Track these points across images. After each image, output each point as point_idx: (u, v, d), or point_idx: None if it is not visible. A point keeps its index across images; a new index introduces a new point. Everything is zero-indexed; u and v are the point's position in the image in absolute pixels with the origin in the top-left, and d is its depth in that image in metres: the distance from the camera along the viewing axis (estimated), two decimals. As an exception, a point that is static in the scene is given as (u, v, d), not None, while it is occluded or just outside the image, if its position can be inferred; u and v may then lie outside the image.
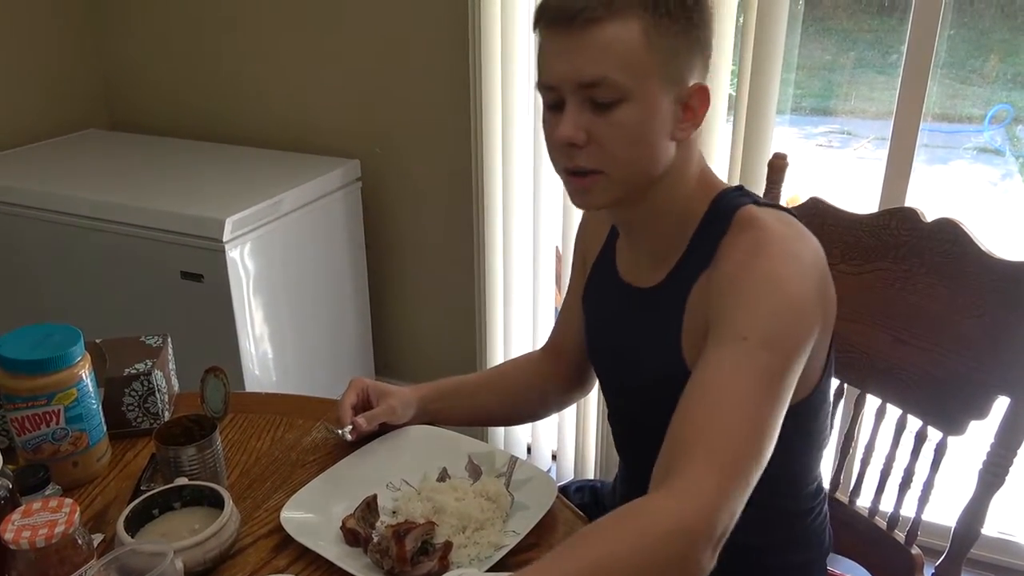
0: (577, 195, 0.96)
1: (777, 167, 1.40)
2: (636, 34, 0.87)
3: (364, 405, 1.19)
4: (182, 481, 1.04)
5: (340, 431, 1.15)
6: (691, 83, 0.92)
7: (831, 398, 1.09)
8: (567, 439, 2.31)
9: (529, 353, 1.36)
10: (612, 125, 0.89)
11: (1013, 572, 2.09)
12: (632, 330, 1.07)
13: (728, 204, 0.98)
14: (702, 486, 0.77)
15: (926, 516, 1.27)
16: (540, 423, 2.33)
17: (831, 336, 1.00)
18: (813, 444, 1.08)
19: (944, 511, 1.36)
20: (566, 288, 1.29)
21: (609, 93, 0.88)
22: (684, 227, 1.00)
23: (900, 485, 1.29)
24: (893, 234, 1.27)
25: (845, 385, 1.37)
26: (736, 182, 1.91)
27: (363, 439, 1.18)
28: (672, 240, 1.01)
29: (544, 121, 0.96)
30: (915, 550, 1.28)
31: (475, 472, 1.13)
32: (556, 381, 1.31)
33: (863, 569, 1.35)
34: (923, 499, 1.26)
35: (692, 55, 0.91)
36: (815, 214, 1.36)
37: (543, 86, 0.93)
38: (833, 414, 1.40)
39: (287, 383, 2.16)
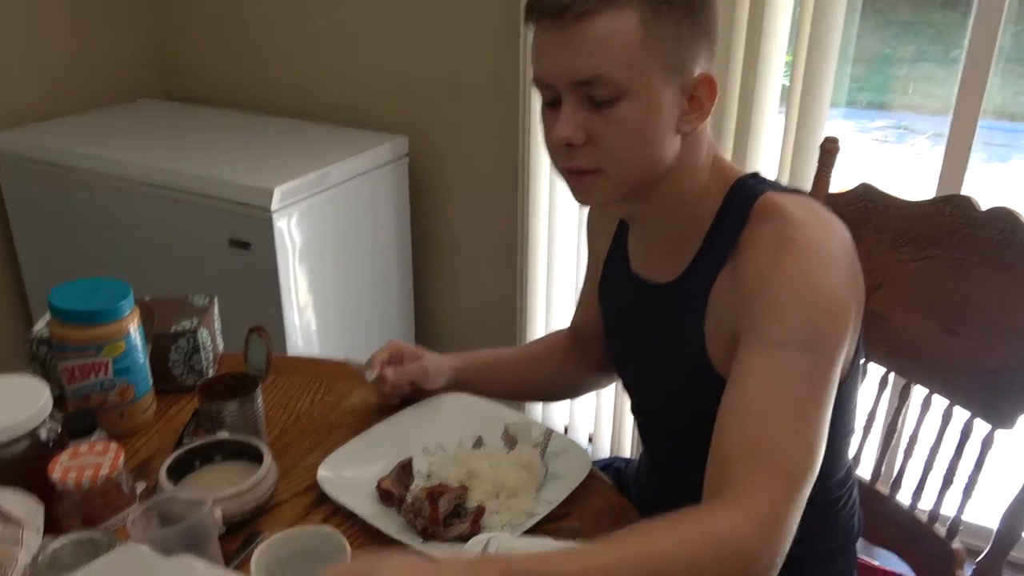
0: (577, 193, 0.93)
1: (829, 151, 1.37)
2: (633, 25, 0.82)
3: (396, 363, 1.19)
4: (223, 435, 1.06)
5: (363, 372, 1.16)
6: (696, 73, 0.87)
7: (859, 385, 1.06)
8: (604, 421, 2.31)
9: (558, 332, 1.34)
10: (611, 123, 0.85)
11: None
12: (651, 326, 1.04)
13: (746, 193, 0.93)
14: (762, 503, 0.75)
15: (968, 516, 1.25)
16: (578, 404, 2.34)
17: (860, 324, 0.97)
18: (841, 433, 1.05)
19: (987, 512, 1.33)
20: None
21: (606, 91, 0.84)
22: (699, 220, 0.95)
23: (944, 479, 1.26)
24: (947, 222, 1.24)
25: (891, 375, 1.34)
26: (787, 174, 1.88)
27: (399, 404, 1.19)
28: (687, 234, 0.96)
29: (542, 118, 0.91)
30: (956, 545, 1.26)
31: (510, 441, 1.13)
32: (583, 364, 1.30)
33: (898, 559, 1.33)
34: (966, 494, 1.23)
35: (695, 43, 0.86)
36: (865, 200, 1.33)
37: (538, 83, 0.89)
38: (877, 403, 1.37)
39: (328, 353, 2.19)
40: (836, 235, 0.90)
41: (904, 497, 1.33)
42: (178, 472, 1.01)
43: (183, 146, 2.26)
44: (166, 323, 1.25)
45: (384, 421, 1.15)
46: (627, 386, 1.17)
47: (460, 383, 1.22)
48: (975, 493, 1.23)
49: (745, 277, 0.89)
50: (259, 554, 0.80)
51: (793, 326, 0.83)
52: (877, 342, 1.28)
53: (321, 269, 2.13)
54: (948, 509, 1.27)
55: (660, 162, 0.90)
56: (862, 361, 1.01)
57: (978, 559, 1.20)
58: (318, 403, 1.25)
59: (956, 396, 1.23)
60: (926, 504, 1.30)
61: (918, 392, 1.31)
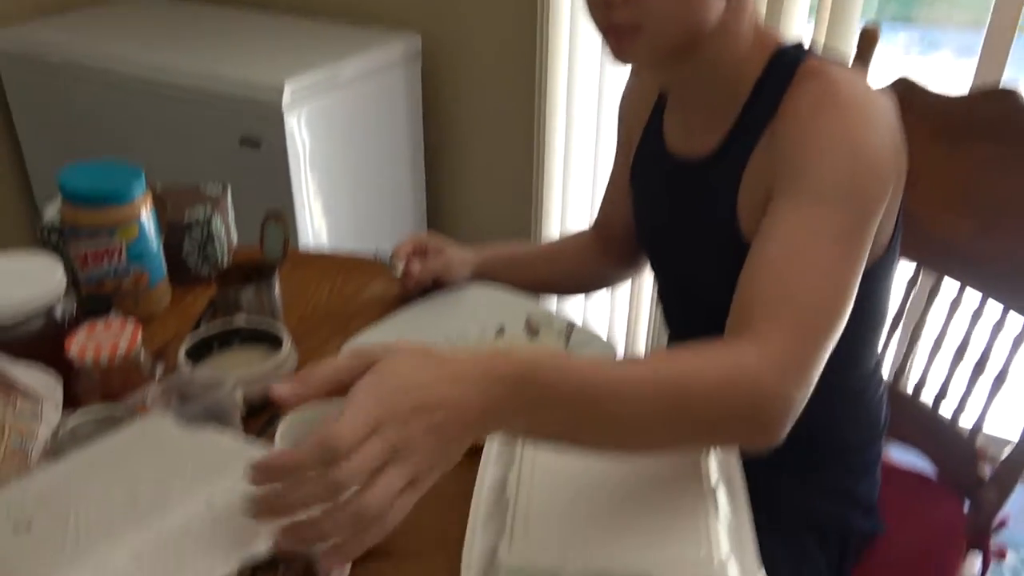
0: (615, 53, 0.89)
1: (869, 39, 1.31)
2: None
3: (420, 256, 1.17)
4: (241, 319, 1.04)
5: (391, 264, 1.13)
6: None
7: (894, 275, 1.03)
8: (618, 319, 2.29)
9: (581, 232, 1.32)
10: None
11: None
12: (684, 203, 1.01)
13: (789, 59, 0.89)
14: (784, 346, 0.72)
15: (991, 430, 1.23)
16: (592, 303, 2.32)
17: (900, 205, 0.94)
18: (872, 320, 1.02)
19: (1009, 426, 1.31)
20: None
21: None
22: (739, 87, 0.92)
23: (972, 373, 1.24)
24: (989, 115, 1.19)
25: (920, 271, 1.31)
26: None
27: (418, 294, 1.17)
28: (726, 102, 0.93)
29: None
30: (980, 441, 1.25)
31: (532, 331, 1.11)
32: (607, 259, 1.27)
33: (916, 457, 1.32)
34: (994, 389, 1.22)
35: None
36: (903, 95, 1.27)
37: None
38: (905, 300, 1.34)
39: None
40: (881, 102, 0.86)
41: (928, 396, 1.32)
42: (196, 356, 1.00)
43: (189, 43, 2.19)
44: (179, 212, 1.22)
45: (405, 310, 1.13)
46: (656, 269, 1.14)
47: (482, 276, 1.20)
48: (1000, 398, 1.21)
49: (784, 136, 0.86)
50: (284, 427, 0.78)
51: (830, 180, 0.80)
52: (908, 240, 1.24)
53: (333, 169, 2.09)
54: (972, 409, 1.25)
55: (702, 22, 0.85)
56: (898, 246, 0.98)
57: (1001, 459, 1.19)
58: (336, 294, 1.23)
59: (988, 288, 1.20)
60: (950, 402, 1.29)
61: (945, 293, 1.27)
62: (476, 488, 0.79)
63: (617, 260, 1.27)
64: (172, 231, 1.20)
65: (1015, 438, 1.17)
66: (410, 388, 0.60)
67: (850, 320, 0.82)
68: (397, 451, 0.58)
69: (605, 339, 1.08)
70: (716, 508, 0.73)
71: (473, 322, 1.12)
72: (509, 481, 0.76)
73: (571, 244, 1.29)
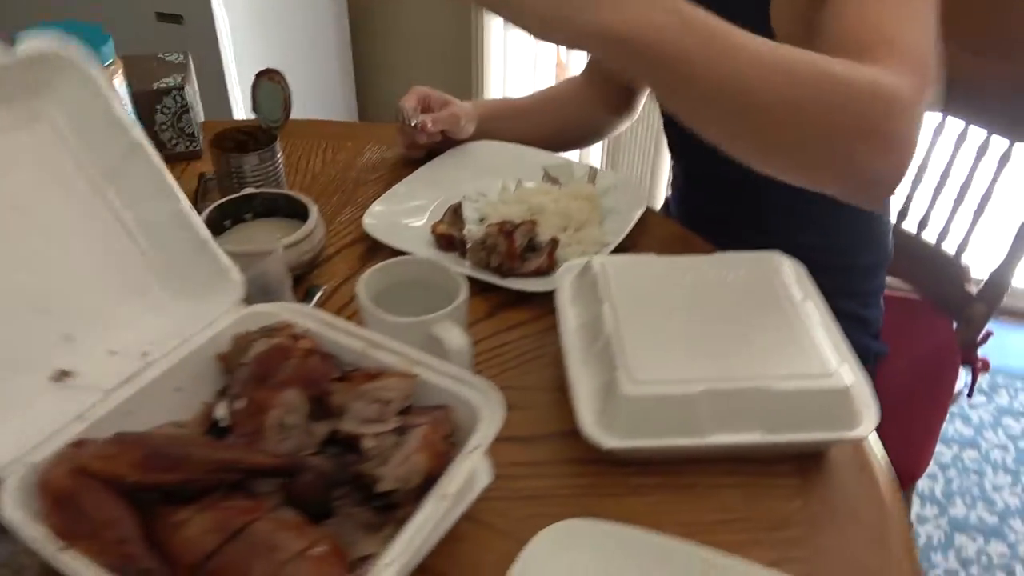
0: None
1: None
2: None
3: (425, 111, 1.09)
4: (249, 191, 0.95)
5: (408, 118, 1.06)
6: None
7: None
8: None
9: (572, 77, 1.27)
10: None
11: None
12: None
13: None
14: (911, 80, 0.64)
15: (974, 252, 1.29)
16: (589, 152, 2.28)
17: None
18: None
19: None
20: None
21: None
22: None
23: (956, 195, 1.29)
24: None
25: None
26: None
27: (424, 157, 1.10)
28: None
29: None
30: (964, 263, 1.31)
31: (553, 183, 1.07)
32: (601, 105, 1.23)
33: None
34: (978, 212, 1.27)
35: None
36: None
37: None
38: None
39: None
40: None
41: (911, 224, 1.36)
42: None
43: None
44: (145, 82, 1.09)
45: (417, 172, 1.06)
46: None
47: (484, 132, 1.13)
48: (985, 221, 1.26)
49: None
50: (367, 278, 0.73)
51: None
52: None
53: (260, 42, 1.93)
54: (956, 233, 1.31)
55: None
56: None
57: (989, 273, 1.25)
58: (331, 162, 1.15)
59: (973, 113, 1.23)
60: (933, 228, 1.34)
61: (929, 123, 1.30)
62: (561, 333, 0.77)
63: (611, 106, 1.23)
64: (141, 101, 1.08)
65: (999, 258, 1.23)
66: None
67: None
68: None
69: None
70: (811, 320, 0.74)
71: (492, 177, 1.07)
72: (603, 316, 0.73)
73: (564, 93, 1.24)
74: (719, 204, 1.12)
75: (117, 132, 0.68)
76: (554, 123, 1.22)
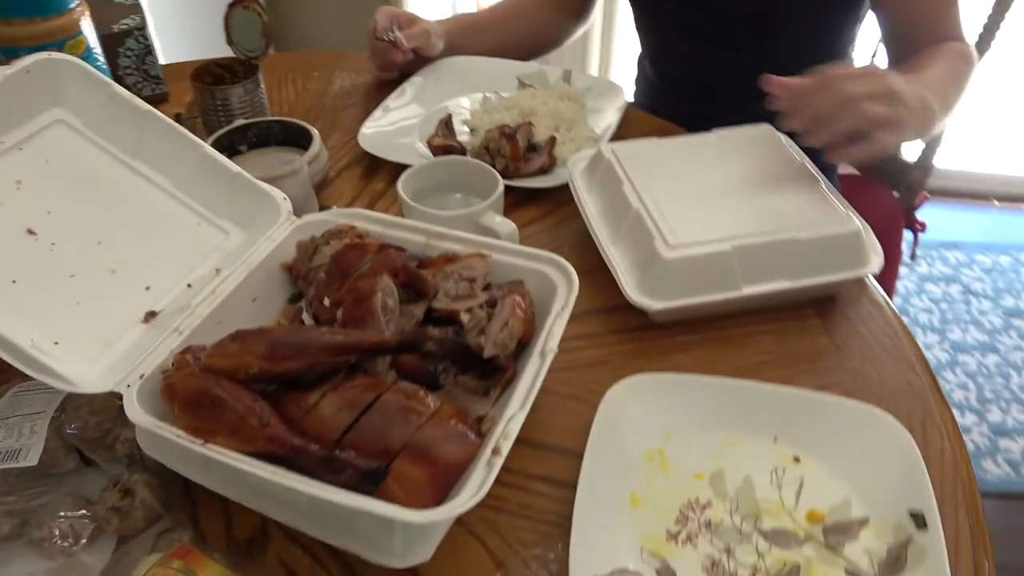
0: None
1: None
2: None
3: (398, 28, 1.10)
4: (240, 122, 0.95)
5: (385, 34, 1.06)
6: None
7: None
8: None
9: None
10: None
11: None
12: None
13: None
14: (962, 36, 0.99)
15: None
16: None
17: None
18: (850, 49, 1.13)
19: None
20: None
21: None
22: None
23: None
24: None
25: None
26: None
27: (397, 80, 1.11)
28: None
29: None
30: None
31: (526, 87, 1.10)
32: (558, 10, 1.26)
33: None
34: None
35: None
36: None
37: None
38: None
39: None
40: None
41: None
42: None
43: None
44: (103, 24, 1.06)
45: (395, 93, 1.08)
46: None
47: (452, 48, 1.15)
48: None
49: None
50: (404, 181, 0.75)
51: None
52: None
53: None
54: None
55: None
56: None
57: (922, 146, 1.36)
58: (304, 92, 1.15)
59: None
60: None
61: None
62: (588, 217, 0.81)
63: (568, 10, 1.26)
64: (103, 46, 1.04)
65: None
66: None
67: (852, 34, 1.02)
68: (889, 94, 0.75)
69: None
70: (812, 178, 0.81)
71: (470, 91, 1.09)
72: (627, 195, 0.78)
73: (524, 3, 1.26)
74: (694, 103, 1.18)
75: (126, 110, 0.70)
76: (518, 33, 1.25)
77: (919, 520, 0.58)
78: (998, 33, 1.21)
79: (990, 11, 1.20)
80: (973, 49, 0.99)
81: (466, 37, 1.19)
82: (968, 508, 0.61)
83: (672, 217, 0.76)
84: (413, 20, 1.10)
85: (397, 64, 1.09)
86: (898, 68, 0.92)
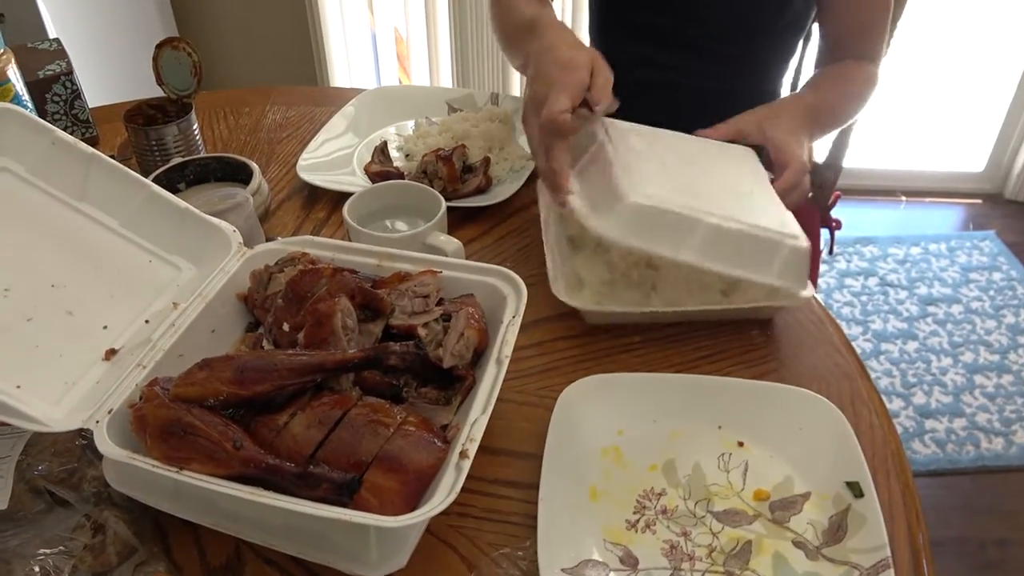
0: None
1: None
2: None
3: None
4: (177, 160, 0.96)
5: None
6: None
7: None
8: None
9: None
10: None
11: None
12: None
13: None
14: (879, 63, 1.10)
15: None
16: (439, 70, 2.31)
17: None
18: (791, 58, 1.21)
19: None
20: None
21: None
22: None
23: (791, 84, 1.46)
24: None
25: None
26: None
27: (327, 112, 1.14)
28: None
29: None
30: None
31: (455, 111, 1.14)
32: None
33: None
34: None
35: None
36: None
37: None
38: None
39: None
40: None
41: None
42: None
43: None
44: (29, 70, 1.06)
45: (329, 124, 1.10)
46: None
47: None
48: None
49: None
50: (349, 207, 0.77)
51: None
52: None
53: (86, 23, 1.86)
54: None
55: None
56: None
57: (831, 143, 1.44)
58: (237, 128, 1.16)
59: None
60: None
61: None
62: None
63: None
64: (31, 92, 1.04)
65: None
66: None
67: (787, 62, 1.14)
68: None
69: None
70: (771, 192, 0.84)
71: (402, 118, 1.13)
72: (603, 146, 0.80)
73: None
74: (645, 109, 1.22)
75: (71, 155, 0.70)
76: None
77: (855, 489, 0.63)
78: (895, 35, 1.30)
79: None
80: (879, 72, 1.11)
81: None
82: (898, 474, 0.66)
83: (644, 180, 0.75)
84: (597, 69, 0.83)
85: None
86: (817, 73, 1.10)
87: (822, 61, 1.11)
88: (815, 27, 1.16)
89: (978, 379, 1.93)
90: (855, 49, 1.09)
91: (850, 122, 1.13)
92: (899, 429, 1.82)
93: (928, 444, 1.79)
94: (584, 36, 1.23)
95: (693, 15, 1.10)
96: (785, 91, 1.28)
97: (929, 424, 1.83)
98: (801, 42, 1.21)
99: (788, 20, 1.12)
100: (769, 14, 1.09)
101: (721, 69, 1.14)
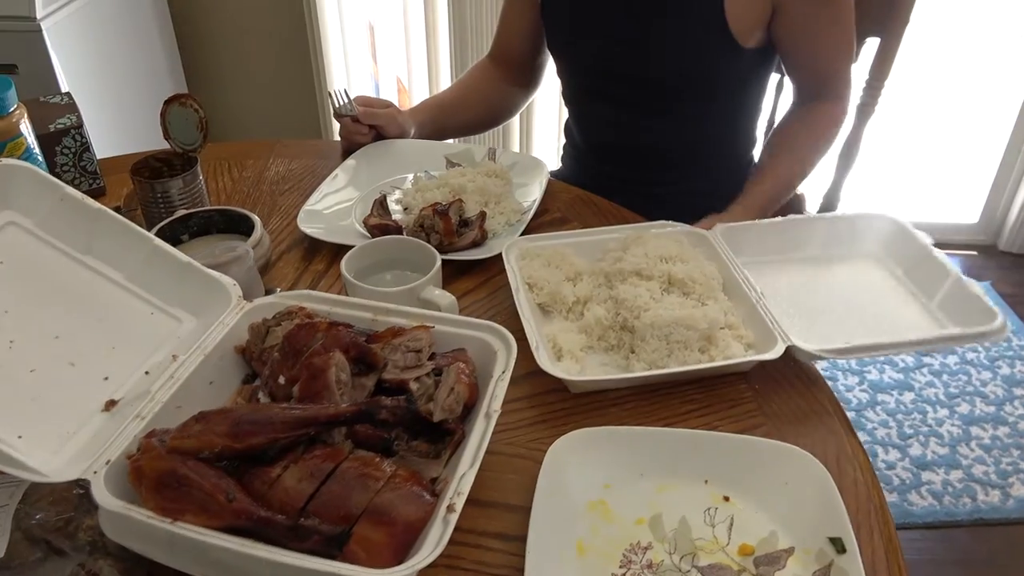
0: None
1: None
2: None
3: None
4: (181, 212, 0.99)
5: (343, 107, 1.17)
6: None
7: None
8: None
9: (480, 63, 1.39)
10: None
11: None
12: (652, 16, 1.11)
13: None
14: (846, 96, 1.19)
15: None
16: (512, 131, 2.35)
17: None
18: (760, 102, 1.25)
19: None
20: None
21: None
22: None
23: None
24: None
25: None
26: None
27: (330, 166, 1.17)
28: None
29: None
30: (799, 191, 1.52)
31: (453, 165, 1.17)
32: (512, 84, 1.36)
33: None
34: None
35: None
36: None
37: None
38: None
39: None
40: None
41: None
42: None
43: None
44: (41, 124, 1.09)
45: (330, 177, 1.13)
46: (586, 78, 1.24)
47: (422, 129, 1.26)
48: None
49: None
50: (346, 261, 0.79)
51: None
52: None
53: (97, 78, 1.90)
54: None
55: None
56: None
57: (823, 195, 1.47)
58: (240, 180, 1.19)
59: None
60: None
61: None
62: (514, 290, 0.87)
63: (520, 82, 1.36)
64: (41, 145, 1.07)
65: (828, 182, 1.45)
66: None
67: (755, 108, 1.22)
68: None
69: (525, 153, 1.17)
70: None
71: (401, 172, 1.16)
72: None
73: (479, 78, 1.36)
74: (615, 165, 1.26)
75: (78, 210, 0.73)
76: (476, 110, 1.35)
77: (838, 545, 0.64)
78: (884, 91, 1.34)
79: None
80: (846, 105, 1.21)
81: (437, 119, 1.29)
82: (881, 530, 0.67)
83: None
84: (385, 104, 1.20)
85: (361, 143, 1.19)
86: (776, 139, 1.21)
87: (795, 100, 1.22)
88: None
89: (974, 431, 1.94)
90: (821, 92, 1.18)
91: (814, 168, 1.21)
92: (895, 481, 1.82)
93: (925, 496, 1.79)
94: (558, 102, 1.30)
95: (642, 79, 1.16)
96: (761, 133, 1.32)
97: (926, 476, 1.83)
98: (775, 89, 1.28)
99: (742, 77, 1.16)
100: (719, 72, 1.15)
101: (683, 128, 1.20)
